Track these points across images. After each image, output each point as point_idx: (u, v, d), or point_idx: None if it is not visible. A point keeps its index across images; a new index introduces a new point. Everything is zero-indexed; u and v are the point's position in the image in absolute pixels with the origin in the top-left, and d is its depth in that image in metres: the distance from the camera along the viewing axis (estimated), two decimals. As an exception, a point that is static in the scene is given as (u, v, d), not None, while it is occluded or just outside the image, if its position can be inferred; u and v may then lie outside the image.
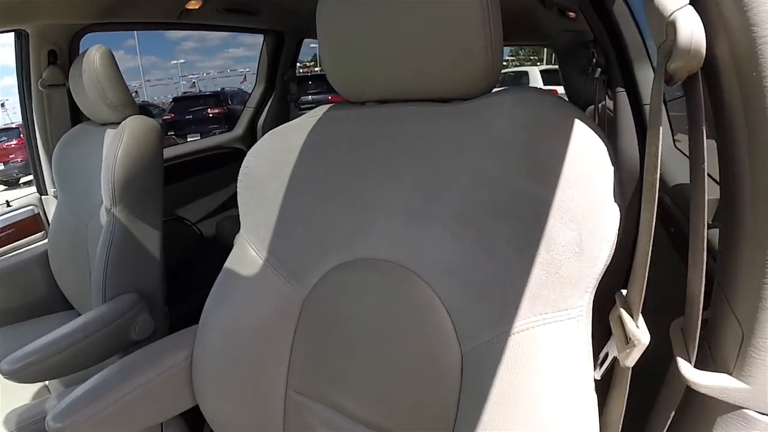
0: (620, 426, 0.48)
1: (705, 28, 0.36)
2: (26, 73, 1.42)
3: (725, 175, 0.41)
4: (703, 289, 0.39)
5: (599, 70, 1.24)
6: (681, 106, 0.55)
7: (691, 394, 0.41)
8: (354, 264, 0.63)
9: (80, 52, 1.44)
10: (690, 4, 0.37)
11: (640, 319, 0.43)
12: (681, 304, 0.44)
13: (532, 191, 0.50)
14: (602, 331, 0.50)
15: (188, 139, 7.93)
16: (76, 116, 1.48)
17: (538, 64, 11.19)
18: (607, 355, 0.48)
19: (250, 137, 2.20)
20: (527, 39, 3.41)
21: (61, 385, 1.13)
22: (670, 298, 0.54)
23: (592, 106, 1.39)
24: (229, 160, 2.06)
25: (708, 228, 0.40)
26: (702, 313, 0.41)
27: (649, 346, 0.42)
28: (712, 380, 0.38)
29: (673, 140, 1.01)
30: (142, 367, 0.72)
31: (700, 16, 0.36)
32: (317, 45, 0.64)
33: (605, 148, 0.49)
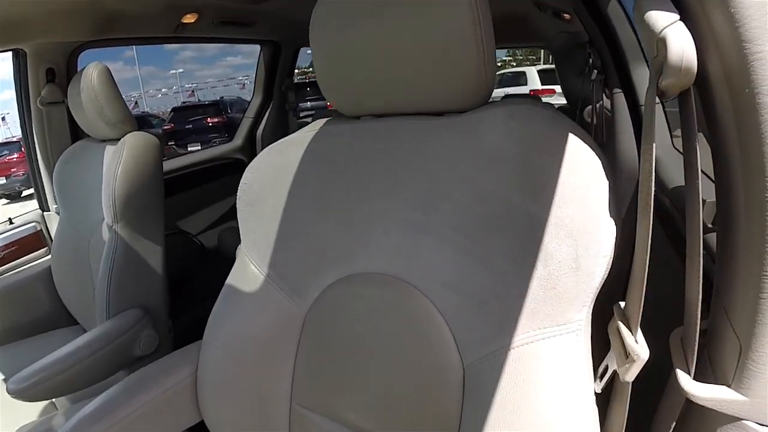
0: None
1: (696, 44, 0.36)
2: (25, 92, 1.43)
3: (720, 189, 0.41)
4: (700, 303, 0.39)
5: (595, 71, 1.25)
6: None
7: (690, 405, 0.41)
8: (354, 278, 0.63)
9: (78, 68, 1.45)
10: (681, 19, 0.36)
11: (639, 334, 0.43)
12: (681, 310, 0.43)
13: (526, 206, 0.50)
14: (602, 340, 0.50)
15: (189, 149, 7.96)
16: (76, 132, 1.49)
17: (536, 63, 11.20)
18: (607, 367, 0.48)
19: (250, 147, 2.20)
20: (523, 41, 3.41)
21: (68, 401, 1.13)
22: (670, 303, 0.53)
23: (590, 107, 1.39)
24: (229, 171, 2.06)
25: (706, 232, 0.40)
26: (702, 322, 0.41)
27: (649, 357, 0.42)
28: (711, 392, 0.38)
29: (671, 139, 1.00)
30: (148, 384, 0.72)
31: (690, 31, 0.36)
32: None
33: (600, 162, 0.49)
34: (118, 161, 1.12)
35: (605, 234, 0.47)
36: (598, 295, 0.49)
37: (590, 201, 0.47)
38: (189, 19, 1.53)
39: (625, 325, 0.44)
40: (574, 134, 0.50)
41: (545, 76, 8.23)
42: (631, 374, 0.43)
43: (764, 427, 0.37)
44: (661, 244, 0.66)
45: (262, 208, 0.70)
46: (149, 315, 1.15)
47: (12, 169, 8.69)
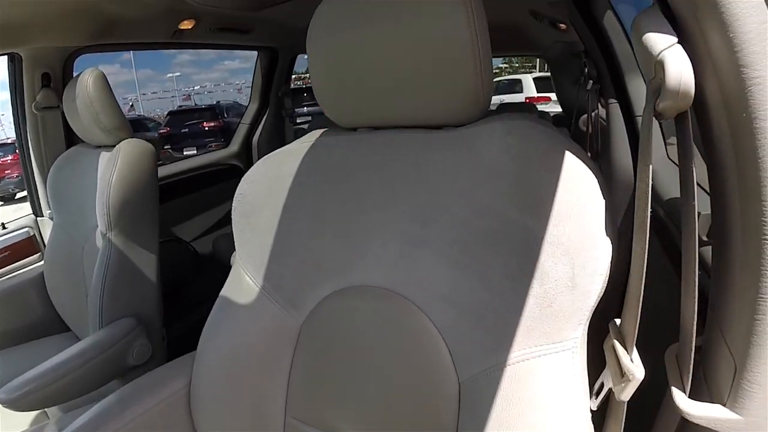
0: None
1: (693, 66, 0.36)
2: (20, 96, 1.42)
3: (715, 207, 0.41)
4: (695, 323, 0.39)
5: (591, 81, 1.25)
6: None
7: (686, 423, 0.41)
8: (349, 291, 0.63)
9: (74, 72, 1.44)
10: (679, 42, 0.36)
11: (635, 353, 0.43)
12: (677, 323, 0.43)
13: (523, 222, 0.51)
14: (598, 355, 0.50)
15: (184, 153, 7.93)
16: (71, 137, 1.48)
17: (532, 71, 11.27)
18: (602, 384, 0.48)
19: (246, 154, 2.20)
20: (519, 50, 3.43)
21: (59, 410, 1.11)
22: (666, 315, 0.53)
23: (586, 115, 1.40)
24: (225, 177, 2.05)
25: (702, 245, 0.40)
26: (697, 338, 0.41)
27: (644, 375, 0.42)
28: (706, 411, 0.38)
29: (666, 148, 1.00)
30: (141, 396, 0.71)
31: (688, 54, 0.36)
32: None
33: (596, 179, 0.49)
34: (113, 169, 1.11)
35: (602, 252, 0.47)
36: (593, 310, 0.49)
37: (587, 218, 0.47)
38: (186, 25, 1.52)
39: (620, 343, 0.44)
40: (571, 151, 0.50)
41: (540, 84, 8.33)
42: (626, 394, 0.43)
43: None
44: (656, 255, 0.66)
45: (257, 219, 0.70)
46: (142, 324, 1.14)
47: (6, 171, 8.61)
